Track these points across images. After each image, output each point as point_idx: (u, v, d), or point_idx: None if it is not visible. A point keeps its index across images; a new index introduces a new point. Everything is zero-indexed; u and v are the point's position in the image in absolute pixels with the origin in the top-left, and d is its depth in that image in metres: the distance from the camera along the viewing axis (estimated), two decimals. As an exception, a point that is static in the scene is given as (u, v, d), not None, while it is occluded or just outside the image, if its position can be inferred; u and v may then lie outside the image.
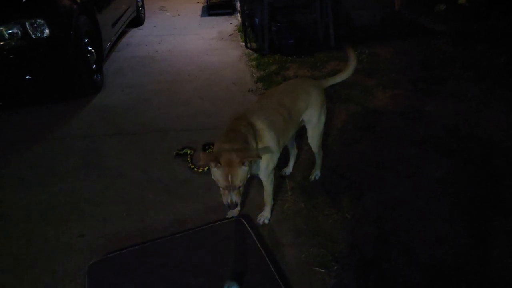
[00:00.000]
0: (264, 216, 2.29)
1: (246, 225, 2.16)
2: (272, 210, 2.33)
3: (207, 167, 2.70)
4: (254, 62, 5.00)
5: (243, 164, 1.77)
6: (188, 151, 2.96)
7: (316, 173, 2.64)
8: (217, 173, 1.79)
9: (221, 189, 1.85)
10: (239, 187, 1.82)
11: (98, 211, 2.46)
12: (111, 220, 2.37)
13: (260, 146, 1.99)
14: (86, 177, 2.81)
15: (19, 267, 2.08)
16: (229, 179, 1.76)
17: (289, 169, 2.72)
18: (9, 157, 3.11)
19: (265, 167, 2.07)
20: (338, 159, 2.86)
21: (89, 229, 2.31)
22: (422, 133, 3.11)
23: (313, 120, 2.35)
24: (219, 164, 1.75)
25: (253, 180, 2.56)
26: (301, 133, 2.60)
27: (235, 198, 1.81)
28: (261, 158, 1.85)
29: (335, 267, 1.96)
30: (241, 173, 1.78)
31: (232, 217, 2.30)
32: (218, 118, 3.53)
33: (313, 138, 2.42)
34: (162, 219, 2.36)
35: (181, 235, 2.16)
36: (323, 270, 1.95)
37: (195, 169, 2.79)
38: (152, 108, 3.90)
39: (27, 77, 3.55)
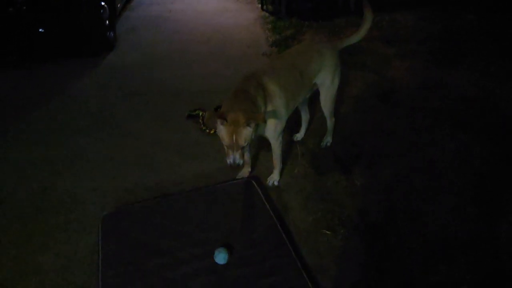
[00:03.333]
0: (274, 178, 2.31)
1: (256, 186, 2.19)
2: (281, 173, 2.35)
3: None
4: (270, 25, 4.85)
5: (248, 125, 1.77)
6: (200, 113, 2.96)
7: (328, 140, 2.63)
8: (222, 131, 1.81)
9: (225, 148, 1.87)
10: (243, 147, 1.83)
11: (110, 167, 2.51)
12: (122, 176, 2.43)
13: (269, 108, 1.98)
14: (99, 135, 2.84)
15: (37, 215, 2.17)
16: (234, 138, 1.78)
17: (300, 135, 2.71)
18: (25, 112, 3.15)
19: (273, 129, 2.06)
20: (351, 126, 2.83)
21: (101, 183, 2.37)
22: (439, 105, 3.03)
23: (326, 83, 2.30)
24: (225, 122, 1.76)
25: (263, 143, 2.55)
26: (314, 99, 2.56)
27: (238, 158, 1.83)
28: (265, 122, 1.86)
29: (342, 231, 1.99)
30: (246, 133, 1.79)
31: (242, 178, 2.32)
32: (231, 80, 3.43)
33: (326, 101, 2.38)
34: (172, 178, 2.40)
35: (192, 192, 2.20)
36: (329, 233, 1.98)
37: (207, 131, 2.79)
38: (165, 68, 3.86)
39: (40, 29, 3.53)
